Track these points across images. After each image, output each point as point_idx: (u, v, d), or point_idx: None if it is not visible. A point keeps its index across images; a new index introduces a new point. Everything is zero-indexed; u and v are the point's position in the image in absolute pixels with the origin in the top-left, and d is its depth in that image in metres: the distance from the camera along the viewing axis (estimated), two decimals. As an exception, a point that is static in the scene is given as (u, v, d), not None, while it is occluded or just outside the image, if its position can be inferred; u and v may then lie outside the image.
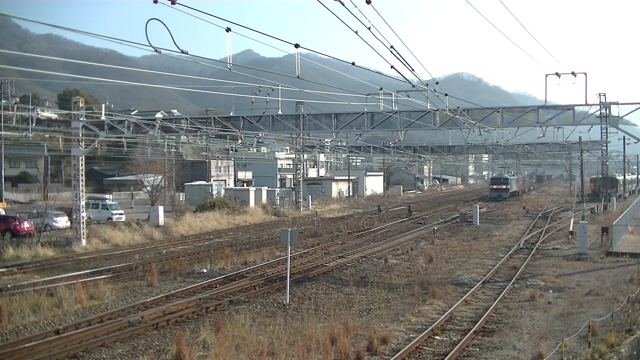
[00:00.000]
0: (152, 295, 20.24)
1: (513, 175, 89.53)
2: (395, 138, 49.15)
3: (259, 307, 18.93)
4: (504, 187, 77.39)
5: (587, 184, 45.40)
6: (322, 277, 24.11)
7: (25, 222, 34.87)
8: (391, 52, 14.03)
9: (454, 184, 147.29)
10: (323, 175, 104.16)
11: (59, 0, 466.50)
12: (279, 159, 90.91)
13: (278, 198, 64.91)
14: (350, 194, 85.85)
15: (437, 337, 15.57)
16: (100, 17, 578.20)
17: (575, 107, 30.16)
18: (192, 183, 66.89)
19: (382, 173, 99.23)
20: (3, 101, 52.60)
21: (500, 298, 19.69)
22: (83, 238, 32.62)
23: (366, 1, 11.06)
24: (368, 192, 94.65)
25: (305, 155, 69.69)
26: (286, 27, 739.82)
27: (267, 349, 13.70)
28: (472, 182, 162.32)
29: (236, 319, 16.64)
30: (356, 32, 12.58)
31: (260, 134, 48.56)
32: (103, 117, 35.42)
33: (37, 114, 44.74)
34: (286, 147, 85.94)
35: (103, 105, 38.53)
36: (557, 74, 25.67)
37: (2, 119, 48.24)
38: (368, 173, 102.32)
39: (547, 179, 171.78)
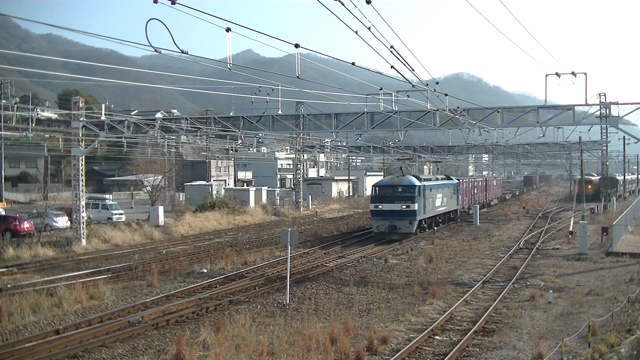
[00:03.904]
0: (152, 295, 20.23)
1: (444, 180, 44.21)
2: (395, 138, 49.09)
3: (259, 307, 18.92)
4: (404, 206, 34.90)
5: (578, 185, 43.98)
6: (322, 277, 24.09)
7: (25, 222, 34.89)
8: (391, 52, 14.05)
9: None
10: (323, 175, 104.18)
11: (59, 0, 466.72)
12: (279, 159, 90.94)
13: (278, 198, 64.93)
14: (350, 194, 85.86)
15: (437, 337, 15.57)
16: (100, 17, 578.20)
17: (575, 107, 30.13)
18: (192, 183, 66.89)
19: (382, 173, 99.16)
20: (3, 101, 52.57)
21: (500, 298, 19.68)
22: (83, 238, 32.62)
23: (366, 1, 11.08)
24: (368, 192, 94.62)
25: (305, 155, 69.70)
26: (286, 27, 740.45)
27: (267, 349, 13.70)
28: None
29: (236, 319, 16.63)
30: (356, 32, 12.60)
31: (260, 134, 48.60)
32: (103, 117, 35.41)
33: (37, 114, 44.85)
34: (286, 147, 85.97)
35: (103, 105, 38.52)
36: (557, 74, 25.65)
37: (2, 119, 48.28)
38: (368, 173, 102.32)
39: (540, 180, 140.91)
